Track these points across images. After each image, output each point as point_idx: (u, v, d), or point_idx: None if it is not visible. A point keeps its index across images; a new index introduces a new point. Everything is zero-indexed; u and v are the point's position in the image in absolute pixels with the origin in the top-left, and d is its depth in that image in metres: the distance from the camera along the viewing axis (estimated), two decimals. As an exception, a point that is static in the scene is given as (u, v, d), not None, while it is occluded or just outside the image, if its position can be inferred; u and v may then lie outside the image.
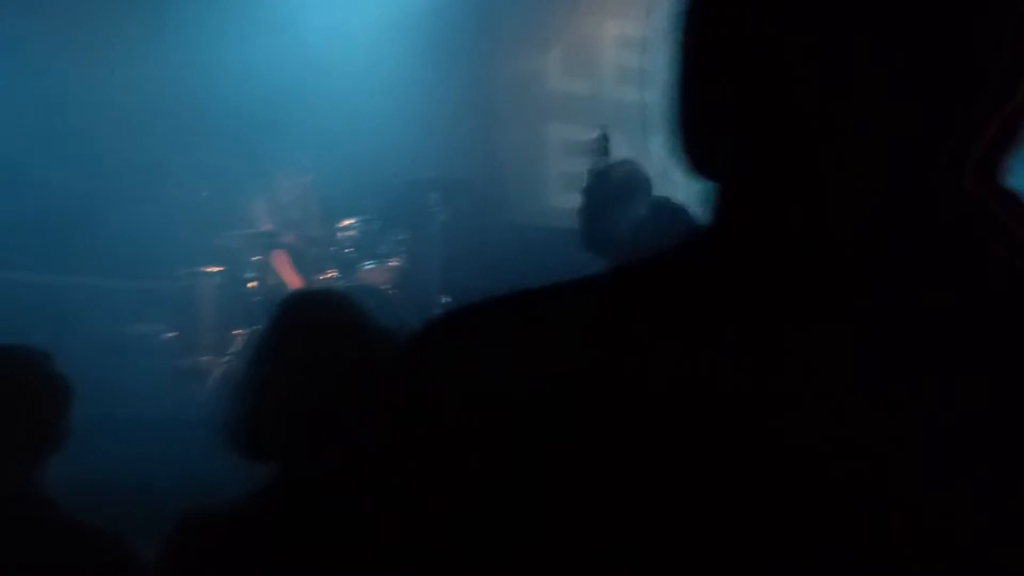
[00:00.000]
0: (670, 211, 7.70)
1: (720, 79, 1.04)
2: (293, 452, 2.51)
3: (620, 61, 12.02)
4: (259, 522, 2.47)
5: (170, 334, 8.88)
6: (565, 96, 11.73)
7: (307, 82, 9.28)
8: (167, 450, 6.85)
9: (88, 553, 2.80)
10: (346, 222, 9.16)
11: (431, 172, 9.50)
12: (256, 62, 8.82)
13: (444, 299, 9.11)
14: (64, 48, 8.98)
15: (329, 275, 9.11)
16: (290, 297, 2.72)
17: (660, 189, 7.72)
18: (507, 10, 11.14)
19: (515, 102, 11.31)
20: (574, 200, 11.54)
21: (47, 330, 8.15)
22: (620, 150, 11.82)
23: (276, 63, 8.91)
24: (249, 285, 8.88)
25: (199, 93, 9.01)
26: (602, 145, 7.65)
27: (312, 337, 2.57)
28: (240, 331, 8.74)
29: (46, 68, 8.85)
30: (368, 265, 9.11)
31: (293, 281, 9.18)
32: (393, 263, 9.19)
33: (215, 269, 8.96)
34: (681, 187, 10.11)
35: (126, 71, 8.92)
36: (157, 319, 8.98)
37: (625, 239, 7.47)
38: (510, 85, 11.28)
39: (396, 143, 9.55)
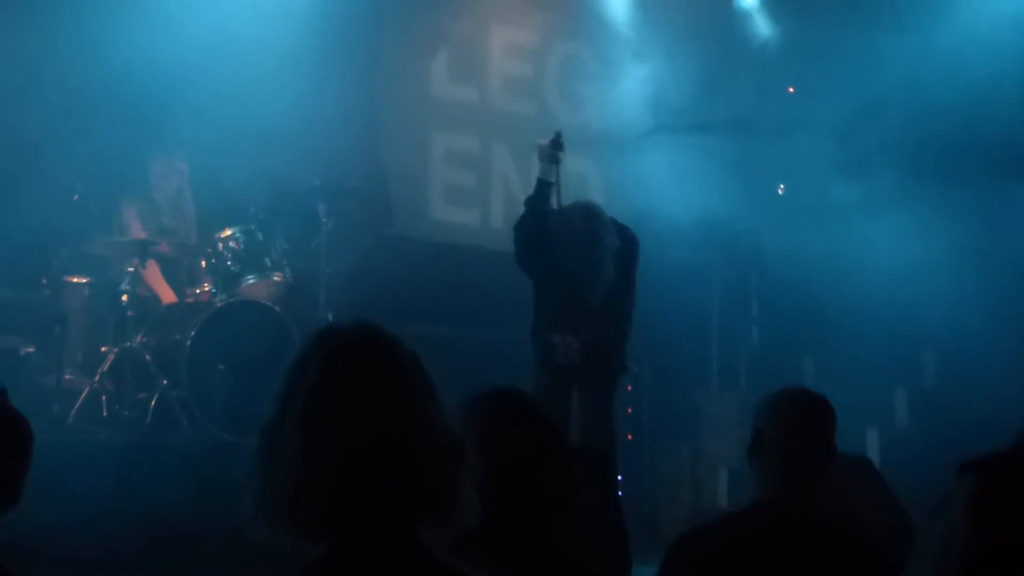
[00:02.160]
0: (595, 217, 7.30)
1: None
2: (352, 524, 2.09)
3: (507, 69, 11.61)
4: None
5: (29, 348, 8.11)
6: (450, 104, 11.26)
7: (189, 82, 8.63)
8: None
9: None
10: (226, 232, 8.50)
11: (317, 180, 8.91)
12: (137, 58, 8.17)
13: (329, 315, 8.56)
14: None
15: (205, 288, 8.48)
16: (333, 333, 2.20)
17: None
18: (393, 15, 10.65)
19: (401, 108, 10.80)
20: (456, 214, 11.22)
21: None
22: (503, 160, 11.53)
23: (157, 60, 8.27)
24: (122, 298, 8.17)
25: (74, 87, 8.34)
26: (555, 149, 7.17)
27: (364, 384, 2.12)
28: (108, 348, 8.09)
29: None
30: (250, 279, 8.49)
31: (166, 295, 8.55)
32: (277, 278, 8.58)
33: (82, 279, 8.24)
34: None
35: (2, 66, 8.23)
36: (15, 331, 8.23)
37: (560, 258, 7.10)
38: (396, 91, 10.77)
39: (280, 149, 9.01)
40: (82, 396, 7.84)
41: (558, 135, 7.27)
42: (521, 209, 7.47)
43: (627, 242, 7.32)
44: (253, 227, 8.57)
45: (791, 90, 11.38)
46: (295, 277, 8.70)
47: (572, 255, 7.05)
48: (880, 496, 4.83)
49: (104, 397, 7.92)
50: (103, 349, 8.10)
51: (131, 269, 8.26)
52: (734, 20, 11.52)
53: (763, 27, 11.49)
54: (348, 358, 2.15)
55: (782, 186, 11.48)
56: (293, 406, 2.10)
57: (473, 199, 11.26)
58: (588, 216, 7.11)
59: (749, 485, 3.82)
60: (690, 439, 10.82)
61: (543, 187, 7.24)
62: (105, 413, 7.87)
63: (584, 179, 11.68)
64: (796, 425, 3.67)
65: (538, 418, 3.07)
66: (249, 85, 8.89)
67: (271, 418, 2.13)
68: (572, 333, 7.10)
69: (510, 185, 11.45)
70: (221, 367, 8.05)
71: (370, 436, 2.07)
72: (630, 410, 10.01)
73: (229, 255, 8.47)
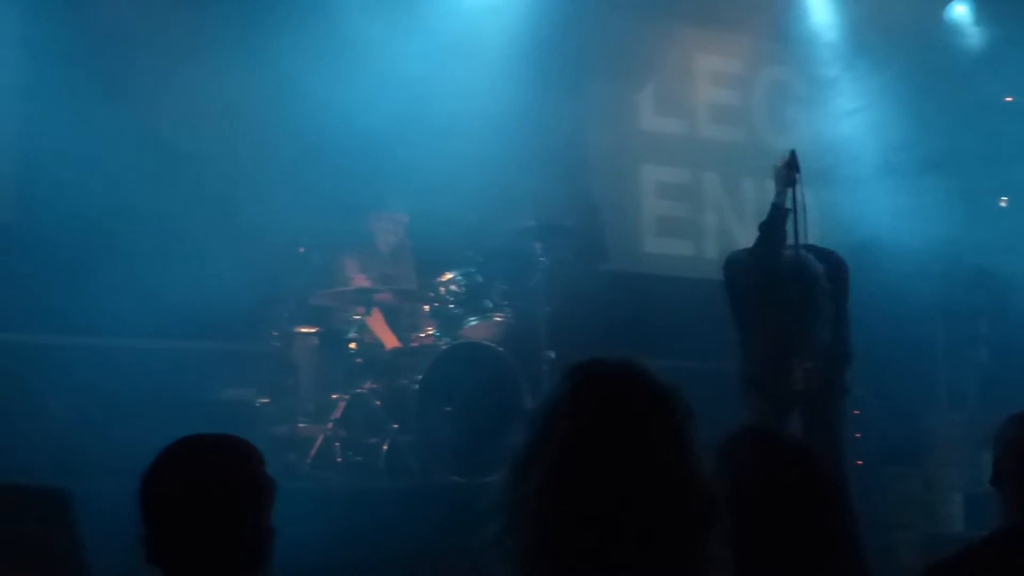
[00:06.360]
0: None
1: None
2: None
3: (714, 98, 11.57)
4: None
5: (263, 399, 8.36)
6: (659, 136, 11.27)
7: (404, 128, 8.85)
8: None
9: None
10: (446, 276, 8.65)
11: (532, 220, 8.98)
12: (353, 113, 8.39)
13: (551, 354, 8.62)
14: (145, 100, 8.58)
15: (428, 332, 8.63)
16: (593, 379, 2.02)
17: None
18: (597, 51, 10.73)
19: (610, 144, 10.85)
20: (669, 246, 11.19)
21: (136, 395, 7.77)
22: (714, 189, 11.47)
23: (372, 115, 8.49)
24: (350, 346, 8.36)
25: (294, 140, 8.61)
26: (791, 171, 6.79)
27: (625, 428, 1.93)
28: (339, 395, 8.27)
29: (141, 129, 8.41)
30: (472, 321, 8.61)
31: (390, 341, 8.71)
32: (498, 318, 8.68)
33: (311, 329, 8.46)
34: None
35: (219, 123, 8.53)
36: (250, 383, 8.49)
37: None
38: (604, 126, 10.83)
39: (494, 190, 9.13)
40: (316, 444, 8.02)
41: (793, 154, 6.83)
42: (734, 238, 7.28)
43: (834, 272, 7.06)
44: (472, 270, 8.68)
45: (1009, 99, 11.06)
46: (515, 317, 8.77)
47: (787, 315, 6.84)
48: None
49: (337, 444, 8.08)
50: (334, 397, 8.27)
51: (357, 317, 8.46)
52: (946, 32, 11.27)
53: (975, 38, 11.21)
54: (605, 413, 1.94)
55: (1004, 199, 11.16)
56: (539, 460, 1.93)
57: (686, 230, 11.23)
58: (800, 278, 6.85)
59: (989, 510, 3.73)
60: (920, 463, 10.57)
61: (776, 213, 6.77)
62: (339, 459, 8.03)
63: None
64: None
65: (805, 461, 2.86)
66: (461, 128, 9.05)
67: (516, 467, 1.97)
68: (800, 358, 6.83)
69: (722, 214, 11.40)
70: (448, 409, 8.17)
71: (621, 506, 1.87)
72: (858, 435, 9.81)
73: (451, 298, 8.59)
